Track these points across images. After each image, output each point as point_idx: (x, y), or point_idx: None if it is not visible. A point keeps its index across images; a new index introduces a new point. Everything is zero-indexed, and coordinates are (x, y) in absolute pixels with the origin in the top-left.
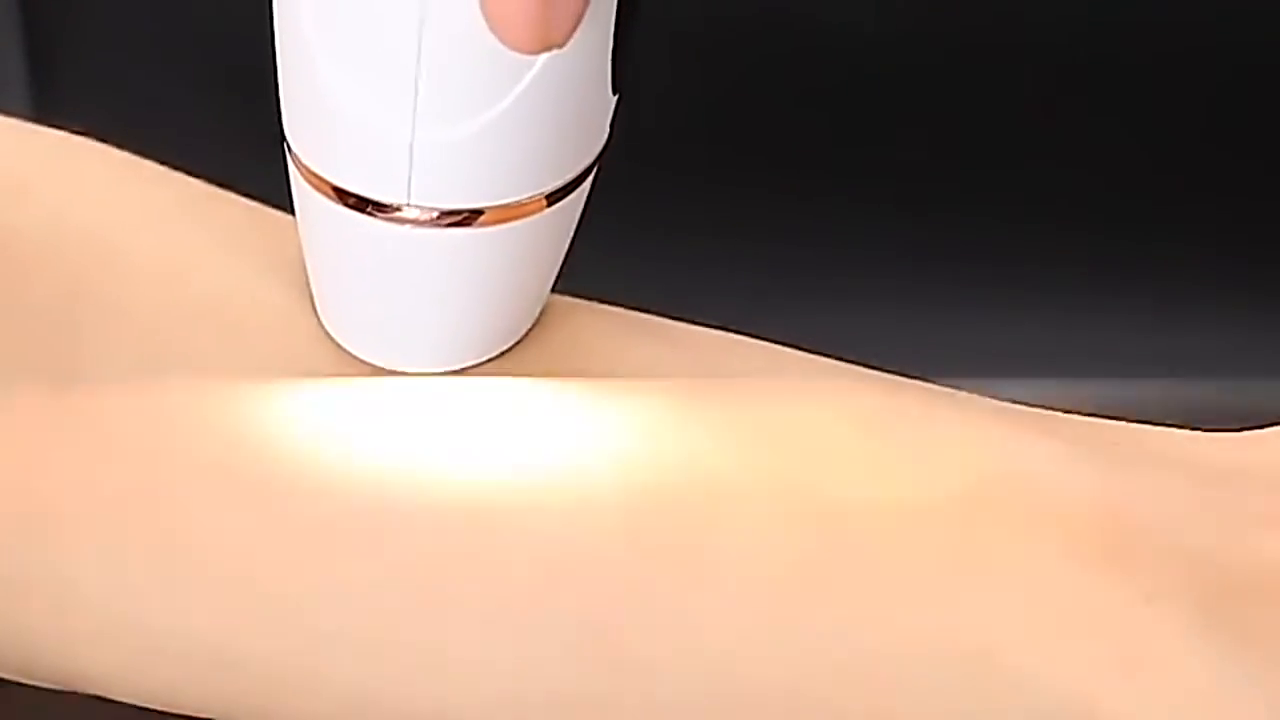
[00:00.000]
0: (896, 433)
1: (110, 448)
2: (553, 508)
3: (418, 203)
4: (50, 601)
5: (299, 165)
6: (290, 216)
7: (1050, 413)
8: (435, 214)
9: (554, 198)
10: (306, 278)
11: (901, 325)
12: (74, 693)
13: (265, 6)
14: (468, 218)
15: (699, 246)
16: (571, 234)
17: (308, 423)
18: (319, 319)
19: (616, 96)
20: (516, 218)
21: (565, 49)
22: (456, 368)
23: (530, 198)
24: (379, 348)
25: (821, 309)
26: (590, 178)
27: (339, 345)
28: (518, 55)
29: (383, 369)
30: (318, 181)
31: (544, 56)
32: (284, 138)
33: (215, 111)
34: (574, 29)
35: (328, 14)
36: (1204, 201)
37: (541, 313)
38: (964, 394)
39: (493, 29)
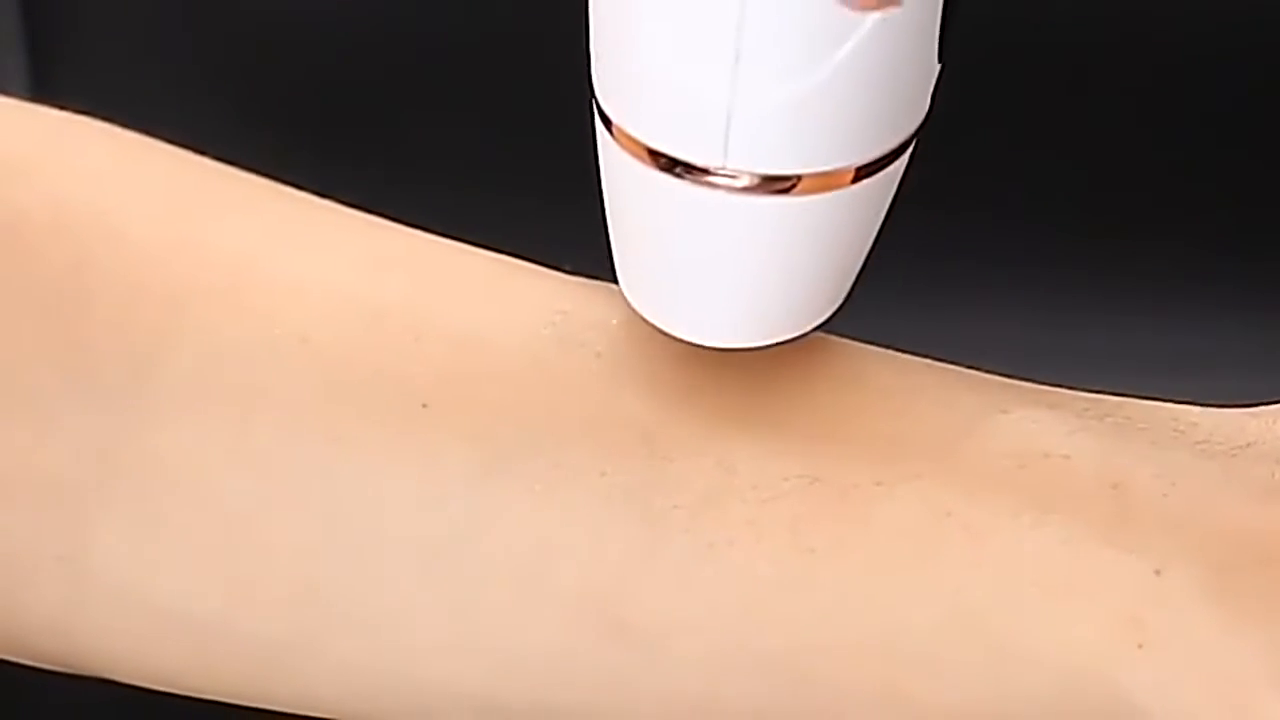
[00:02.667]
0: (910, 408)
1: (124, 424)
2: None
3: (733, 166)
4: (59, 579)
5: (611, 127)
6: (292, 188)
7: (1056, 388)
8: (750, 179)
9: (871, 169)
10: (325, 246)
11: (898, 323)
12: (77, 675)
13: (267, 5)
14: (783, 185)
15: None
16: (885, 210)
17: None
18: (338, 287)
19: (940, 66)
20: (832, 187)
21: (898, 9)
22: (759, 344)
23: (846, 167)
24: (683, 319)
25: None
26: (908, 153)
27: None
28: (848, 13)
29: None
30: (630, 144)
31: (875, 15)
32: (594, 98)
33: (216, 110)
34: None
35: None
36: (1205, 200)
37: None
38: (972, 371)
39: None
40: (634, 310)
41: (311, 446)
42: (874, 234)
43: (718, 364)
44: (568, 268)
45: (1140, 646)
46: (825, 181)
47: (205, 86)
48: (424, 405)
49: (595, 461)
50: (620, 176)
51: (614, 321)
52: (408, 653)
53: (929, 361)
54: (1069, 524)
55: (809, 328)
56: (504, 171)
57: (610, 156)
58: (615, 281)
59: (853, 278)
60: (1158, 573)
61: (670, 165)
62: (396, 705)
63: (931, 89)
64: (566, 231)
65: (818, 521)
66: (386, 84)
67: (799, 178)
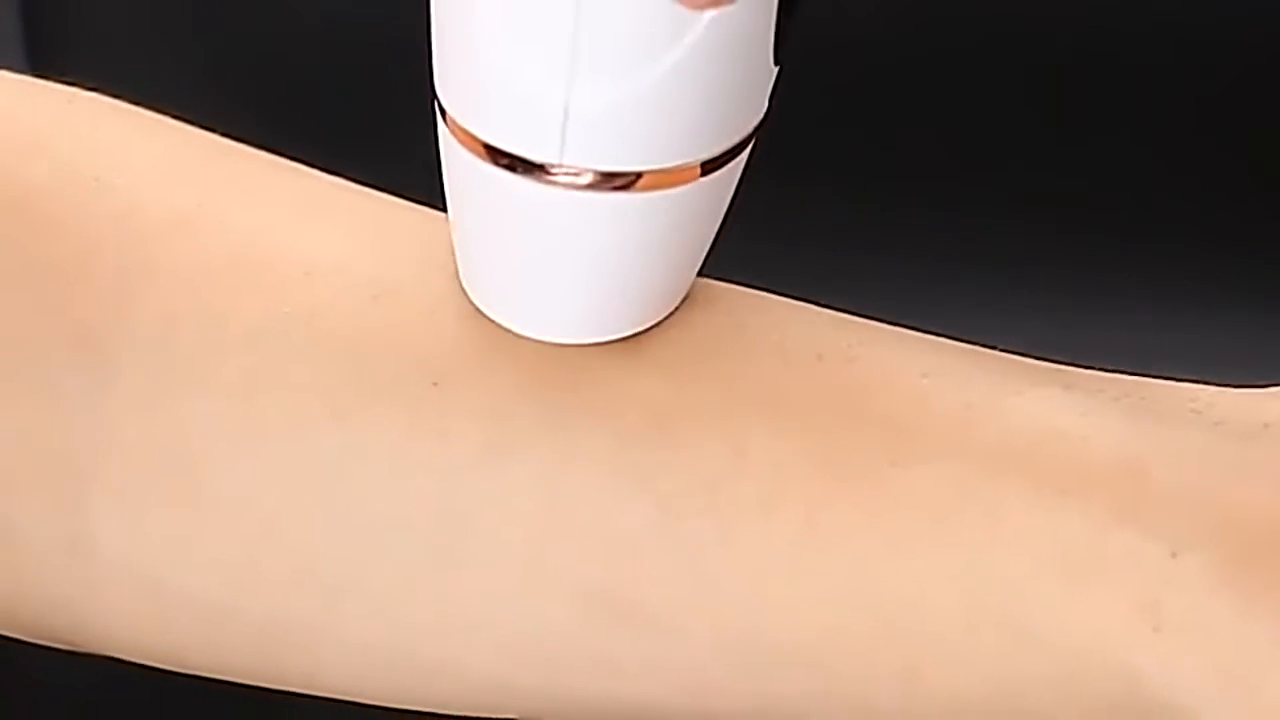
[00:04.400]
0: (925, 388)
1: (131, 403)
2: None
3: (570, 163)
4: (68, 559)
5: (449, 122)
6: (301, 166)
7: (1073, 368)
8: (587, 176)
9: (709, 167)
10: (334, 223)
11: (895, 322)
12: (86, 654)
13: (267, 4)
14: (620, 182)
15: None
16: (725, 208)
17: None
18: (348, 264)
19: (778, 69)
20: (670, 185)
21: (732, 7)
22: (599, 340)
23: (685, 165)
24: (522, 315)
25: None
26: (747, 151)
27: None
28: (682, 11)
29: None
30: (468, 139)
31: (710, 14)
32: (434, 93)
33: (215, 108)
34: None
35: None
36: (1205, 200)
37: (690, 291)
38: (987, 350)
39: None
40: None
41: (319, 424)
42: (714, 231)
43: (729, 346)
44: None
45: (1156, 629)
46: (663, 179)
47: (204, 84)
48: (434, 384)
49: (606, 443)
50: (459, 172)
51: None
52: (415, 633)
53: (942, 340)
54: (1085, 505)
55: (648, 324)
56: None
57: (449, 151)
58: None
59: (692, 275)
60: (1174, 555)
61: (509, 162)
62: (403, 685)
63: (770, 89)
64: None
65: (831, 503)
66: (387, 77)
67: (638, 175)
